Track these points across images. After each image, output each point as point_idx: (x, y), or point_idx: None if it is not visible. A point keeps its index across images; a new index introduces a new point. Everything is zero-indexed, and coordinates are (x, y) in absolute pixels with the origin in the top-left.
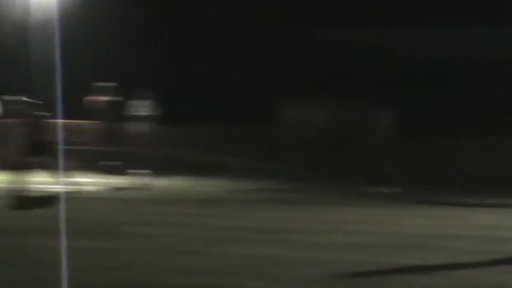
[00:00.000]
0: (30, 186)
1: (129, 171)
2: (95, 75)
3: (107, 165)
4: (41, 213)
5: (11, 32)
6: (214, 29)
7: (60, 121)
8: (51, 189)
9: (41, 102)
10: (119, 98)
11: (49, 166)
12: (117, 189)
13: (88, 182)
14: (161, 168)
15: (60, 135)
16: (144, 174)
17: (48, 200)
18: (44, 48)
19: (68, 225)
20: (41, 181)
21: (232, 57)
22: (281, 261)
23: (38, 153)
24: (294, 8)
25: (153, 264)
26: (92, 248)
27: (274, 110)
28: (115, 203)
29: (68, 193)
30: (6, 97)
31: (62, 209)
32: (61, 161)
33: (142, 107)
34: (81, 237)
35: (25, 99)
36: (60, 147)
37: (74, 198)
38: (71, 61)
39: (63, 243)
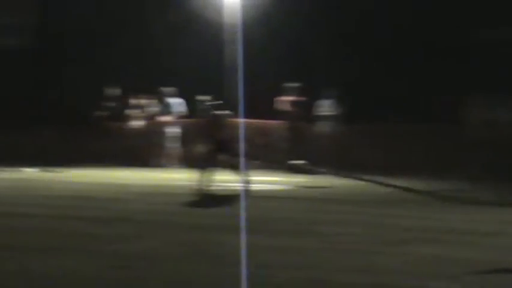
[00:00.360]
0: (214, 184)
1: (314, 170)
2: (283, 75)
3: (293, 164)
4: (224, 211)
5: (204, 33)
6: (398, 26)
7: (244, 120)
8: (236, 188)
9: (221, 102)
10: (304, 98)
11: (233, 165)
12: (302, 188)
13: (273, 180)
14: (344, 167)
15: (243, 135)
16: (328, 173)
17: (232, 198)
18: (235, 49)
19: (251, 223)
20: (225, 179)
21: (420, 56)
22: (463, 262)
23: (222, 151)
24: (478, 5)
25: (334, 263)
26: (273, 246)
27: (460, 109)
28: (299, 202)
29: (251, 191)
30: (198, 97)
31: (244, 207)
32: (244, 159)
33: (326, 107)
34: (263, 235)
35: (212, 99)
36: (243, 146)
37: (258, 196)
38: (260, 62)
39: (244, 240)
